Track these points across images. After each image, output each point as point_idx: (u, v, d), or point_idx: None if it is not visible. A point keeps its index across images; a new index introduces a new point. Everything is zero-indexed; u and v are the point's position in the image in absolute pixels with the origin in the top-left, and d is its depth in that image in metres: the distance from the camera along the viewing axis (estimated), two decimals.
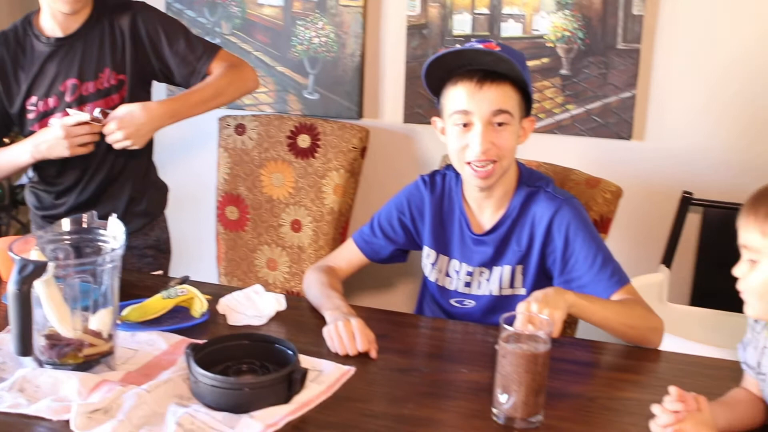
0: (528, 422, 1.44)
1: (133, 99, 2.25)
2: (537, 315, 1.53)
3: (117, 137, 2.13)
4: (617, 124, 2.73)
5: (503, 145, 1.82)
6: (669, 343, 2.19)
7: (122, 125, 2.12)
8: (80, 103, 2.23)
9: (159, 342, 1.72)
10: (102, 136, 2.16)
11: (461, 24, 2.82)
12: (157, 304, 1.84)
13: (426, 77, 1.86)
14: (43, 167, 2.31)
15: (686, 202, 2.73)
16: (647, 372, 1.71)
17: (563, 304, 1.62)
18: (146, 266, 2.45)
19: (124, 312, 1.81)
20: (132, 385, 1.50)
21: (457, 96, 1.82)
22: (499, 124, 1.81)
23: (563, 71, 2.75)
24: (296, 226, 2.98)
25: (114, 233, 1.62)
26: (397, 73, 2.96)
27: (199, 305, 1.85)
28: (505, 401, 1.44)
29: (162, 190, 2.56)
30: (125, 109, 2.14)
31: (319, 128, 2.93)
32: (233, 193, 3.05)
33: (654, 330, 1.78)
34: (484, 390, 1.54)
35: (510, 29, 2.77)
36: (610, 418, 1.50)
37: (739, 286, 1.37)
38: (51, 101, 2.24)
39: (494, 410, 1.47)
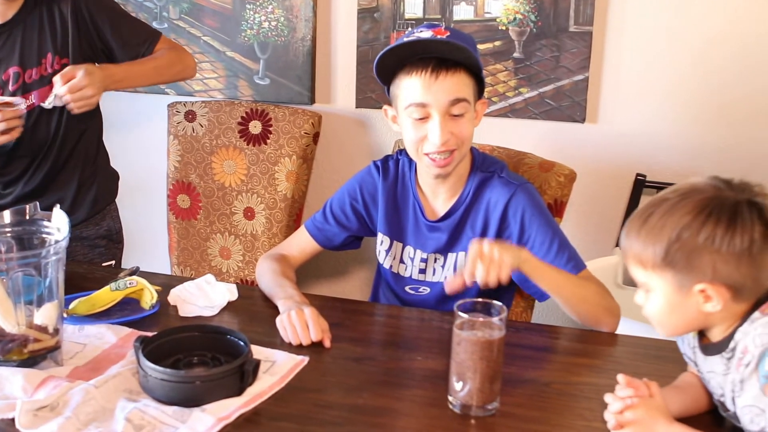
0: (484, 409, 1.44)
1: None
2: (488, 257, 1.58)
3: (67, 99, 2.07)
4: (570, 107, 2.74)
5: (462, 134, 1.81)
6: (624, 326, 2.20)
7: (70, 89, 2.05)
8: (24, 91, 2.18)
9: (108, 335, 1.69)
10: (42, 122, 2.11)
11: (413, 7, 2.80)
12: (106, 296, 1.81)
13: (377, 67, 1.84)
14: None
15: (640, 184, 2.74)
16: (603, 356, 1.71)
17: (515, 253, 1.65)
18: (98, 257, 2.41)
19: (72, 305, 1.77)
20: (80, 381, 1.46)
21: (412, 87, 1.79)
22: (456, 114, 1.79)
23: (516, 54, 2.75)
24: (249, 213, 2.95)
25: (58, 224, 1.59)
26: (348, 58, 2.93)
27: (149, 297, 1.82)
28: (460, 389, 1.44)
29: (112, 177, 2.51)
30: (70, 71, 2.08)
31: (271, 114, 2.90)
32: (184, 181, 3.01)
33: (609, 311, 1.78)
34: (440, 378, 1.54)
35: (462, 12, 2.76)
36: (565, 403, 1.50)
37: (643, 313, 1.38)
38: None
39: (450, 398, 1.47)
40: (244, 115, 2.93)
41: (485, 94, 1.93)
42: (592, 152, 2.79)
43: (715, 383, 1.37)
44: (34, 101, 2.18)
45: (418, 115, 1.79)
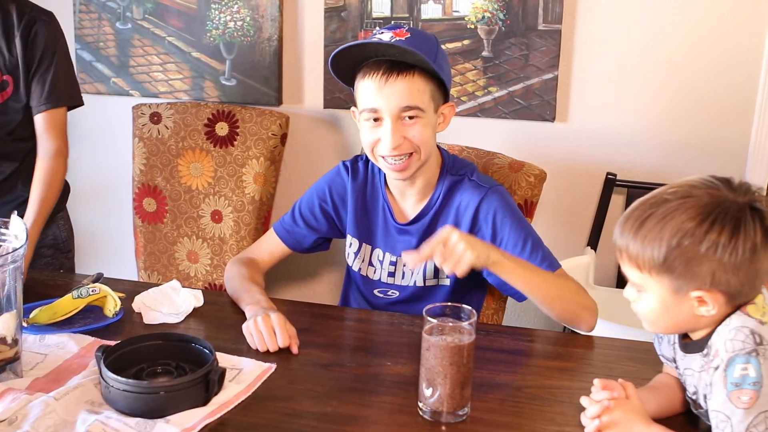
0: (454, 415, 1.42)
1: (16, 100, 2.22)
2: (450, 248, 1.58)
3: None
4: (540, 106, 2.73)
5: (416, 138, 1.79)
6: (597, 327, 2.20)
7: None
8: None
9: (70, 344, 1.65)
10: None
11: (380, 6, 2.78)
12: (68, 304, 1.77)
13: (335, 69, 1.82)
14: None
15: (610, 183, 2.74)
16: (576, 358, 1.70)
17: (484, 254, 1.61)
18: (44, 266, 2.37)
19: (33, 314, 1.74)
20: (39, 393, 1.43)
21: (365, 91, 1.78)
22: (410, 117, 1.77)
23: (485, 53, 2.73)
24: (217, 216, 2.92)
25: (15, 231, 1.55)
26: (315, 58, 2.91)
27: (113, 304, 1.79)
28: (430, 395, 1.42)
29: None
30: None
31: (238, 115, 2.87)
32: (150, 184, 2.97)
33: (586, 308, 1.76)
34: (410, 383, 1.52)
35: (430, 11, 2.74)
36: (538, 407, 1.49)
37: (632, 307, 1.36)
38: None
39: (420, 404, 1.45)
40: (211, 116, 2.89)
41: (454, 94, 1.91)
42: (562, 151, 2.78)
43: (691, 381, 1.36)
44: None
45: (371, 117, 1.78)
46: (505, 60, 2.72)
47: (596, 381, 1.37)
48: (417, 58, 1.72)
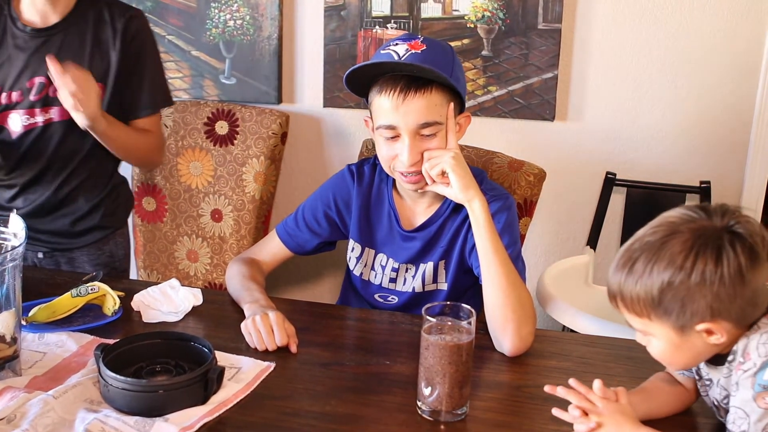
0: (453, 414, 1.42)
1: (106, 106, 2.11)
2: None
3: (66, 93, 1.89)
4: (540, 105, 2.73)
5: None
6: (595, 326, 2.20)
7: (76, 86, 1.89)
8: (45, 104, 2.06)
9: (69, 343, 1.65)
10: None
11: (380, 5, 2.77)
12: (67, 302, 1.77)
13: (349, 84, 1.80)
14: None
15: (610, 182, 2.74)
16: (574, 358, 1.70)
17: (466, 182, 1.72)
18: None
19: (32, 312, 1.73)
20: (38, 391, 1.43)
21: (382, 108, 1.75)
22: (428, 134, 1.75)
23: (484, 52, 2.73)
24: (217, 215, 2.91)
25: (14, 230, 1.54)
26: (315, 56, 2.90)
27: (112, 302, 1.79)
28: (429, 394, 1.42)
29: (126, 199, 2.40)
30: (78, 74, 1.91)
31: (238, 114, 2.87)
32: (149, 183, 2.97)
33: (522, 325, 1.67)
34: (409, 383, 1.52)
35: (430, 10, 2.74)
36: (536, 406, 1.48)
37: (649, 351, 1.36)
38: (15, 95, 2.06)
39: (419, 403, 1.45)
40: (210, 115, 2.89)
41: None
42: (562, 151, 2.78)
43: (715, 390, 1.36)
44: (53, 117, 2.07)
45: (389, 135, 1.76)
46: (504, 59, 2.72)
47: (596, 383, 1.36)
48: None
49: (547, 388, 1.38)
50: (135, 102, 2.17)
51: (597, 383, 1.36)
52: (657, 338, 1.30)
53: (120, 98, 2.15)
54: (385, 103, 1.74)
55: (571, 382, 1.38)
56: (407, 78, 1.72)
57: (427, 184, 1.78)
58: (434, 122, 1.74)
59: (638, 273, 1.27)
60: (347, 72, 1.76)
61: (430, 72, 1.70)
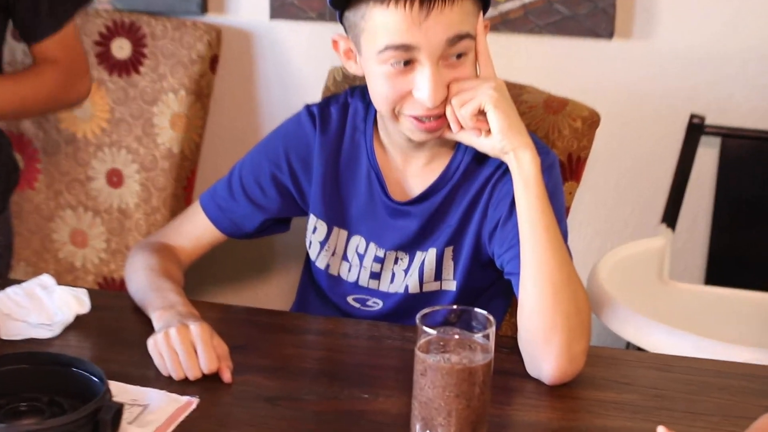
0: None
1: None
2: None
3: None
4: (591, 16, 2.73)
5: None
6: (673, 342, 2.21)
7: None
8: None
9: None
10: None
11: None
12: None
13: None
14: None
15: (696, 130, 2.74)
16: (641, 386, 1.70)
17: (510, 123, 1.73)
18: None
19: None
20: None
21: (389, 22, 1.72)
22: (458, 56, 1.74)
23: None
24: (115, 179, 2.92)
25: None
26: None
27: None
28: None
29: (6, 172, 2.47)
30: None
31: (145, 29, 2.87)
32: (13, 131, 2.96)
33: (581, 332, 1.70)
34: (397, 425, 1.53)
35: None
36: None
37: None
38: None
39: None
40: (105, 30, 2.89)
41: None
42: (624, 84, 2.79)
43: None
44: None
45: (399, 61, 1.74)
46: None
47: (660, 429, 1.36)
48: None
49: None
50: (30, 20, 2.25)
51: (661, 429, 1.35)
52: None
53: (21, 19, 2.26)
54: (393, 17, 1.71)
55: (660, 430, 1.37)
56: None
57: (449, 129, 1.78)
58: (466, 34, 1.73)
59: None
60: None
61: None
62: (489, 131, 1.72)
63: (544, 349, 1.68)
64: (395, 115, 1.80)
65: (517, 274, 1.73)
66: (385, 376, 1.70)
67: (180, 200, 2.90)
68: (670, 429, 1.35)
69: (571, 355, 1.67)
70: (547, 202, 1.72)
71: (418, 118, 1.77)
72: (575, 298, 1.70)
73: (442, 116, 1.76)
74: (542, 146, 1.87)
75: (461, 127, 1.74)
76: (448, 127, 1.77)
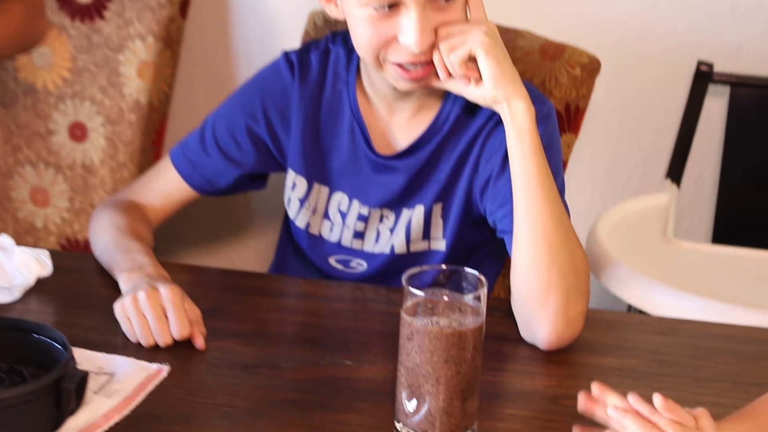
0: None
1: None
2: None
3: None
4: None
5: None
6: (678, 304, 2.22)
7: None
8: None
9: None
10: None
11: None
12: None
13: None
14: None
15: (703, 78, 2.74)
16: (643, 351, 1.72)
17: (504, 73, 1.72)
18: None
19: None
20: None
21: None
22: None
23: None
24: (78, 132, 2.91)
25: None
26: None
27: None
28: (414, 410, 1.43)
29: None
30: None
31: None
32: None
33: (578, 294, 1.71)
34: (382, 393, 1.54)
35: None
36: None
37: None
38: None
39: (398, 425, 1.46)
40: None
41: None
42: (625, 26, 2.78)
43: None
44: None
45: (382, 5, 1.73)
46: None
47: (656, 398, 1.36)
48: None
49: (581, 403, 1.38)
50: None
51: (657, 399, 1.35)
52: None
53: None
54: None
55: (630, 398, 1.37)
56: None
57: (437, 78, 1.78)
58: None
59: None
60: None
61: None
62: (480, 79, 1.72)
63: (539, 312, 1.69)
64: (379, 63, 1.79)
65: (511, 232, 1.74)
66: (369, 341, 1.71)
67: (148, 155, 2.89)
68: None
69: (567, 318, 1.68)
70: (542, 155, 1.72)
71: (403, 66, 1.76)
72: (572, 257, 1.71)
73: (430, 63, 1.75)
74: (538, 95, 1.87)
75: (450, 74, 1.73)
76: (436, 75, 1.76)
